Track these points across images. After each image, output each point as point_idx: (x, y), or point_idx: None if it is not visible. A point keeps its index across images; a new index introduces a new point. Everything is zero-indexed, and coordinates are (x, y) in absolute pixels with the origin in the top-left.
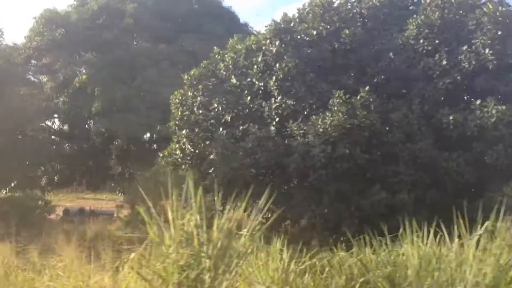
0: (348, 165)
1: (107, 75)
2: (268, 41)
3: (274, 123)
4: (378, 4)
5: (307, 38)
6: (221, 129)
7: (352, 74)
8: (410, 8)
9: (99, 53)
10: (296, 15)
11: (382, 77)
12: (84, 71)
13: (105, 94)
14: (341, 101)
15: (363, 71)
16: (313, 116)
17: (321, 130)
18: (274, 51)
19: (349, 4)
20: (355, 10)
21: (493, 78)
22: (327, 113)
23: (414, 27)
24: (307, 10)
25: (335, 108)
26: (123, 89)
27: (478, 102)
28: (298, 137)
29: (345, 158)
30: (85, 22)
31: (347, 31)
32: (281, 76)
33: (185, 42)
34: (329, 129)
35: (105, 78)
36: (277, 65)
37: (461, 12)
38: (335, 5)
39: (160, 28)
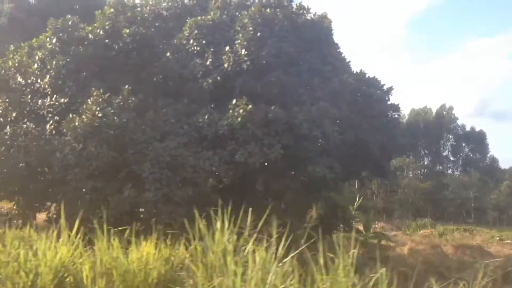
0: (97, 163)
1: None
2: (47, 39)
3: (51, 121)
4: (176, 4)
5: (91, 37)
6: (8, 127)
7: (135, 74)
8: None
9: None
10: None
11: (160, 76)
12: None
13: None
14: (100, 99)
15: (143, 70)
16: (71, 115)
17: (72, 128)
18: (49, 48)
19: (147, 6)
20: (162, 10)
21: (251, 78)
22: (86, 112)
23: (187, 28)
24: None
25: (84, 106)
26: None
27: (234, 101)
28: (67, 136)
29: (94, 156)
30: None
31: (127, 31)
32: (53, 74)
33: None
34: (78, 126)
35: None
36: (50, 63)
37: (236, 13)
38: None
39: (37, 27)
